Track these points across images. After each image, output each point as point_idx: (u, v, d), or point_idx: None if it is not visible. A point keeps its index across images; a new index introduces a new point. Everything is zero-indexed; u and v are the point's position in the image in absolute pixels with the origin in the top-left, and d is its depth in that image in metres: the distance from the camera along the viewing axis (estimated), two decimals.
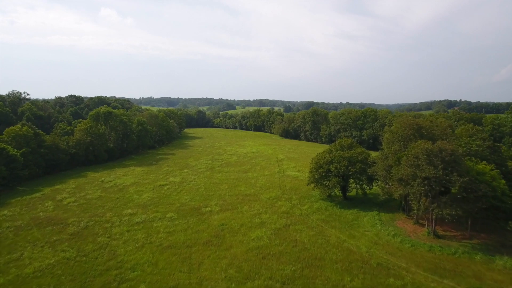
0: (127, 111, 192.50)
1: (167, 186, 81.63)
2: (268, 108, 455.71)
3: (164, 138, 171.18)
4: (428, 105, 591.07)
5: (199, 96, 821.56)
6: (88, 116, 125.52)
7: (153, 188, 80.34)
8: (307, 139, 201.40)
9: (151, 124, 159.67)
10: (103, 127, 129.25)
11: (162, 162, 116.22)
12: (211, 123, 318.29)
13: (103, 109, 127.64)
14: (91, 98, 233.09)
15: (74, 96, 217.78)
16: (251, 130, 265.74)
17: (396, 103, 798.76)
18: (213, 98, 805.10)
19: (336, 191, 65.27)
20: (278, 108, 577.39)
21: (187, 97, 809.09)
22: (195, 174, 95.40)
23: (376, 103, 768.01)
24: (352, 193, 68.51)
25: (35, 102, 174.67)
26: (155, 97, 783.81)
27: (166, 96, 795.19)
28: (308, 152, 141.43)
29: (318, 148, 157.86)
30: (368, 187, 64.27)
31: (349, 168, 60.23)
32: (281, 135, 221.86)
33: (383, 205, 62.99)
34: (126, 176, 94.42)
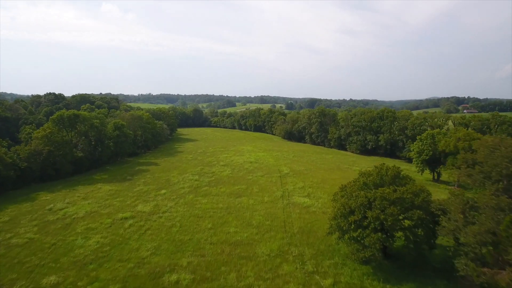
0: (109, 111, 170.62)
1: (130, 221, 59.56)
2: (269, 106, 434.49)
3: (149, 142, 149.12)
4: (435, 102, 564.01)
5: (199, 93, 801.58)
6: (49, 120, 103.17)
7: (110, 225, 58.36)
8: (313, 142, 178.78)
9: (134, 127, 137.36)
10: (71, 133, 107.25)
11: (138, 177, 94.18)
12: (208, 122, 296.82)
13: (67, 111, 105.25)
14: (73, 96, 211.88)
15: (53, 94, 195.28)
16: (250, 131, 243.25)
17: (400, 99, 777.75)
18: (213, 95, 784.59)
19: None
20: (280, 105, 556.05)
21: (186, 94, 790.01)
22: (174, 198, 73.20)
23: (379, 99, 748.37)
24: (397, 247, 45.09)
25: (2, 102, 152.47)
26: (154, 94, 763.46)
27: (165, 93, 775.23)
28: (316, 161, 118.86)
29: (326, 155, 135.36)
30: (427, 247, 39.43)
31: (400, 218, 36.14)
32: (283, 137, 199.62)
33: (449, 271, 37.96)
34: (84, 201, 72.61)
